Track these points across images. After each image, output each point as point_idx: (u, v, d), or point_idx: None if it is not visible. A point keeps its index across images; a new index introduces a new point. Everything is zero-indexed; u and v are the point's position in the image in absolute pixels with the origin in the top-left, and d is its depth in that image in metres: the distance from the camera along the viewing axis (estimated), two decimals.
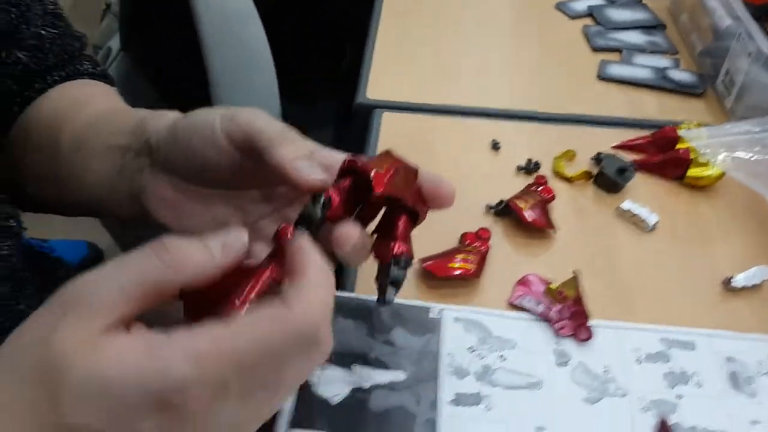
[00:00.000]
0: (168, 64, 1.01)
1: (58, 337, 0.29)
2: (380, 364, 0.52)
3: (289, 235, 0.35)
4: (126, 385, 0.29)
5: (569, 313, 0.55)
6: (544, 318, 0.55)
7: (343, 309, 0.55)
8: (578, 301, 0.55)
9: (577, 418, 0.50)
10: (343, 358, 0.52)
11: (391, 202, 0.43)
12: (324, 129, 1.34)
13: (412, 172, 0.44)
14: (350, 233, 0.40)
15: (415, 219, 0.44)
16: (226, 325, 0.30)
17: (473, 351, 0.53)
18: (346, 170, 0.40)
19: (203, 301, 0.34)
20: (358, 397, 0.50)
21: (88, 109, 0.57)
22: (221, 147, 0.41)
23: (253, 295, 0.33)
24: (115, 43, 1.03)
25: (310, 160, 0.39)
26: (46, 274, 0.64)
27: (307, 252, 0.34)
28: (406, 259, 0.43)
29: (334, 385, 0.50)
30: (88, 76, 0.63)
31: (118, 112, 0.55)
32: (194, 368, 0.29)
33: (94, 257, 1.49)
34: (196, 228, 0.46)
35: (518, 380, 0.52)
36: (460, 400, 0.50)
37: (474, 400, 0.50)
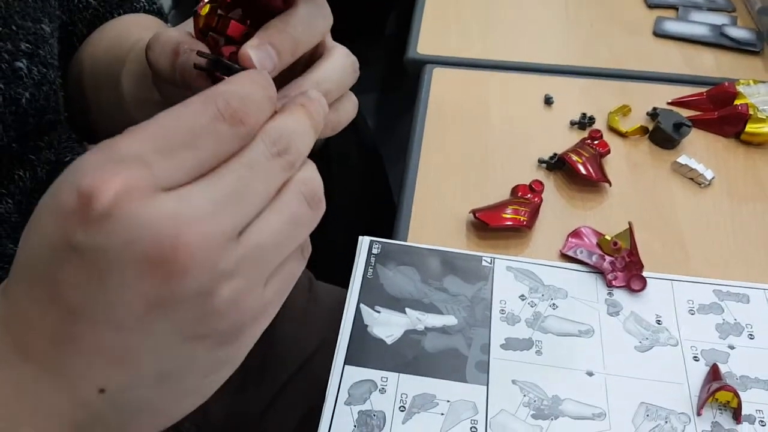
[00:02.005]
0: None
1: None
2: (433, 309, 0.53)
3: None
4: (43, 201, 0.26)
5: (623, 264, 0.55)
6: (598, 269, 0.55)
7: (397, 257, 0.56)
8: (632, 252, 0.55)
9: (627, 365, 0.50)
10: (398, 302, 0.53)
11: None
12: (372, 93, 1.34)
13: None
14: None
15: None
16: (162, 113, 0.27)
17: (524, 299, 0.54)
18: None
19: None
20: (412, 338, 0.51)
21: (144, 33, 0.58)
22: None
23: None
24: (167, 1, 1.04)
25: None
26: None
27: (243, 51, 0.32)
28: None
29: (388, 326, 0.52)
30: (144, 12, 0.64)
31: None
32: (98, 154, 0.25)
33: None
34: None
35: (569, 327, 0.52)
36: (510, 344, 0.51)
37: (525, 344, 0.51)
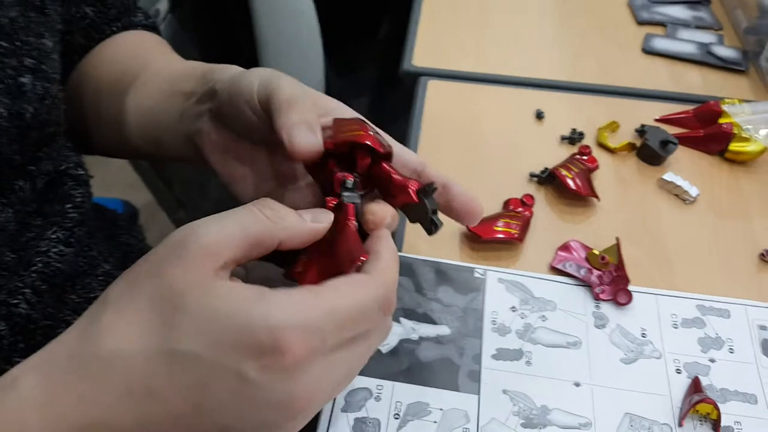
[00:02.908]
0: (215, 28, 1.03)
1: (174, 276, 0.32)
2: (427, 319, 0.54)
3: (351, 216, 0.39)
4: (230, 323, 0.31)
5: (610, 278, 0.57)
6: (585, 282, 0.57)
7: None
8: (619, 266, 0.57)
9: (613, 376, 0.52)
10: (394, 311, 0.54)
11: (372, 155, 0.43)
12: (364, 97, 1.35)
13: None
14: (377, 211, 0.41)
15: (389, 159, 0.44)
16: (323, 286, 0.34)
17: (515, 310, 0.56)
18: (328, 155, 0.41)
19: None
20: (407, 347, 0.53)
21: (149, 58, 0.60)
22: (256, 109, 0.43)
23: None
24: (163, 5, 1.05)
25: (307, 127, 0.39)
26: (110, 224, 0.67)
27: (381, 238, 0.39)
28: (429, 186, 0.42)
29: None
30: (141, 27, 0.66)
31: (181, 61, 0.58)
32: (292, 316, 0.31)
33: (130, 215, 1.53)
34: (238, 176, 0.49)
35: (558, 339, 0.54)
36: (501, 354, 0.53)
37: (515, 355, 0.53)
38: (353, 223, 0.39)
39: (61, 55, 0.56)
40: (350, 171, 0.41)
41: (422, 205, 0.42)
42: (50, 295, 0.50)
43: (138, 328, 0.32)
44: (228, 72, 0.48)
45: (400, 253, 0.58)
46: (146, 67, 0.58)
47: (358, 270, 0.37)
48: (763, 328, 0.55)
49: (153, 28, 0.67)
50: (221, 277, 0.33)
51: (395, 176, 0.42)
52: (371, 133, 0.41)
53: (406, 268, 0.58)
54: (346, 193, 0.40)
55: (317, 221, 0.38)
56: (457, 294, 0.56)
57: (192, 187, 1.15)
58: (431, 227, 0.43)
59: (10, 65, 0.46)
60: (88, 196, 0.56)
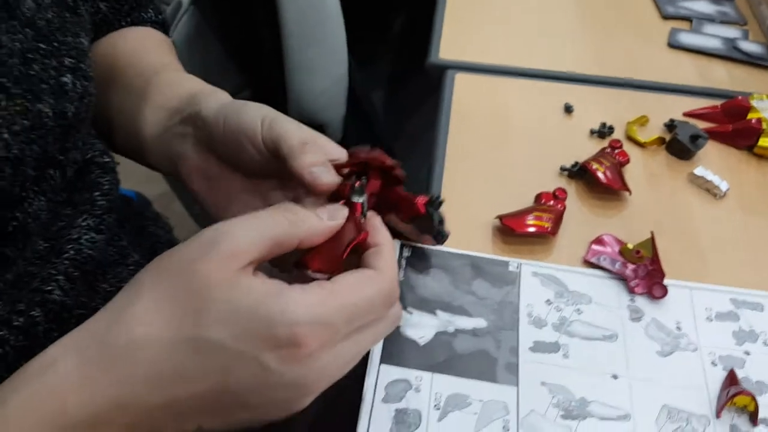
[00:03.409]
0: (238, 20, 1.03)
1: (202, 271, 0.36)
2: (463, 312, 0.55)
3: (358, 213, 0.43)
4: (253, 315, 0.35)
5: (645, 272, 0.57)
6: (620, 276, 0.57)
7: (427, 260, 0.58)
8: (654, 260, 0.57)
9: (650, 368, 0.52)
10: (429, 304, 0.55)
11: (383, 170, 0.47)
12: (383, 90, 1.36)
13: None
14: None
15: (400, 181, 0.48)
16: (334, 282, 0.37)
17: (550, 304, 0.56)
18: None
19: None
20: (443, 339, 0.53)
21: (143, 58, 0.61)
22: (259, 148, 0.46)
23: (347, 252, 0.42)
24: None
25: (325, 166, 0.44)
26: (137, 215, 0.67)
27: (380, 230, 0.42)
28: (435, 199, 0.47)
29: (420, 328, 0.53)
30: (150, 23, 0.66)
31: (171, 71, 0.59)
32: (308, 311, 0.35)
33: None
34: (221, 200, 0.52)
35: (594, 332, 0.54)
36: (538, 347, 0.53)
37: (552, 348, 0.53)
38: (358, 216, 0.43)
39: None
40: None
41: (429, 217, 0.46)
42: (82, 283, 0.51)
43: (169, 316, 0.35)
44: (215, 99, 0.51)
45: (435, 248, 0.59)
46: (133, 65, 0.60)
47: (356, 251, 0.41)
48: None
49: (161, 25, 0.68)
50: (246, 274, 0.36)
51: (403, 193, 0.48)
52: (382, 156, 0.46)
53: (441, 262, 0.58)
54: (354, 197, 0.43)
55: (333, 218, 0.41)
56: (492, 287, 0.57)
57: None
58: (439, 237, 0.47)
59: (52, 65, 0.46)
60: (116, 183, 0.57)
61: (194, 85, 0.56)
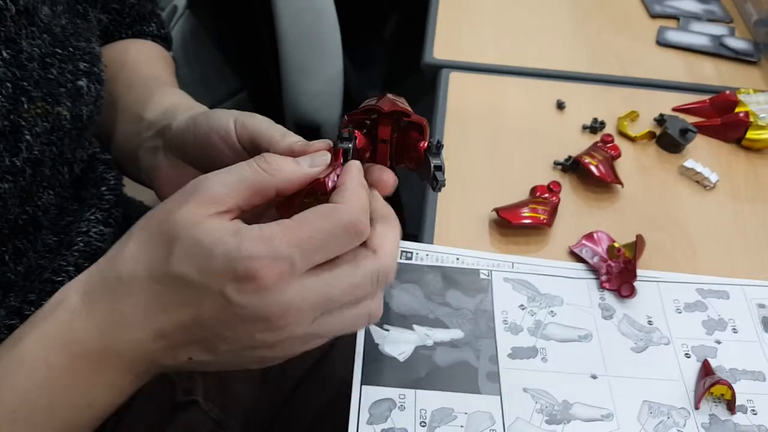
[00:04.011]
0: (234, 23, 1.04)
1: (178, 215, 0.38)
2: (440, 324, 0.55)
3: (339, 159, 0.43)
4: (212, 252, 0.37)
5: (618, 269, 0.58)
6: (594, 269, 0.59)
7: (398, 275, 0.57)
8: (631, 261, 0.58)
9: (627, 366, 0.53)
10: (405, 319, 0.55)
11: (395, 117, 0.47)
12: (378, 90, 1.37)
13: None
14: (389, 178, 0.46)
15: (422, 132, 0.47)
16: (291, 219, 0.38)
17: (524, 308, 0.56)
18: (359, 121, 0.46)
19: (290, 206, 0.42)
20: (423, 353, 0.53)
21: (136, 71, 0.63)
22: (234, 147, 0.48)
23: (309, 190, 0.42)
24: (181, 1, 1.07)
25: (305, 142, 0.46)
26: (142, 215, 0.68)
27: (349, 170, 0.42)
28: (436, 144, 0.46)
29: (399, 344, 0.53)
30: (151, 37, 0.67)
31: (161, 84, 0.61)
32: (262, 246, 0.36)
33: None
34: None
35: (569, 333, 0.55)
36: (517, 353, 0.53)
37: (530, 353, 0.54)
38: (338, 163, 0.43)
39: None
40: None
41: (427, 163, 0.45)
42: None
43: (148, 256, 0.39)
44: (189, 110, 0.53)
45: (430, 246, 0.60)
46: (124, 78, 0.61)
47: (326, 195, 0.41)
48: (761, 306, 0.57)
49: (163, 39, 0.69)
50: (217, 217, 0.38)
51: (414, 139, 0.47)
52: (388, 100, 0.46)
53: (413, 276, 0.58)
54: (340, 143, 0.43)
55: (314, 165, 0.42)
56: (465, 296, 0.57)
57: None
58: (434, 183, 0.45)
59: (68, 69, 0.48)
60: (120, 178, 0.59)
61: (174, 99, 0.58)
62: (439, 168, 0.45)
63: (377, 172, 0.45)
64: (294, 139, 0.45)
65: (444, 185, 0.45)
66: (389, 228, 0.41)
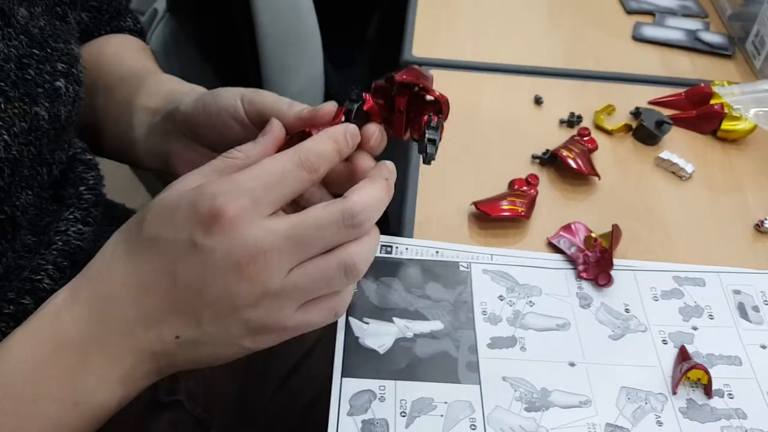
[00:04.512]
0: (214, 26, 1.05)
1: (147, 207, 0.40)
2: (419, 316, 0.55)
3: (339, 117, 0.46)
4: (178, 205, 0.38)
5: (595, 258, 0.59)
6: (572, 259, 0.59)
7: (377, 268, 0.58)
8: (607, 250, 0.59)
9: (604, 353, 0.54)
10: (385, 312, 0.55)
11: (411, 88, 0.49)
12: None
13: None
14: (370, 129, 0.47)
15: (439, 111, 0.49)
16: (254, 164, 0.40)
17: (503, 299, 0.57)
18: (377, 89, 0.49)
19: None
20: (403, 345, 0.53)
21: (123, 63, 0.64)
22: (243, 122, 0.49)
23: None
24: (161, 4, 1.07)
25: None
26: (121, 216, 0.68)
27: (326, 130, 0.44)
28: (436, 123, 0.48)
29: (378, 337, 0.53)
30: (129, 32, 0.68)
31: (151, 73, 0.62)
32: (224, 184, 0.38)
33: None
34: None
35: (548, 322, 0.56)
36: (496, 343, 0.54)
37: (509, 342, 0.54)
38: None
39: None
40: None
41: (424, 135, 0.48)
42: (72, 272, 0.52)
43: (124, 235, 0.40)
44: (192, 93, 0.54)
45: (410, 240, 0.61)
46: (115, 71, 0.62)
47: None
48: (737, 292, 0.58)
49: (139, 34, 0.70)
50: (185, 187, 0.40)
51: (424, 113, 0.49)
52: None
53: (393, 270, 0.58)
54: (348, 104, 0.46)
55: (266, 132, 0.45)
56: (445, 289, 0.57)
57: None
58: (423, 155, 0.47)
59: (46, 70, 0.49)
60: (100, 179, 0.59)
61: (173, 84, 0.59)
62: (432, 142, 0.47)
63: (366, 127, 0.47)
64: (300, 107, 0.46)
65: (433, 158, 0.47)
66: (366, 182, 0.41)
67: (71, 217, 0.54)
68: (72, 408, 0.39)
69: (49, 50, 0.49)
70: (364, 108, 0.47)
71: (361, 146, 0.46)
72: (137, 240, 0.39)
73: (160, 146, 0.56)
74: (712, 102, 0.74)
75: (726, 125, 0.72)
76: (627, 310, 0.57)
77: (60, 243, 0.52)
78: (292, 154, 0.40)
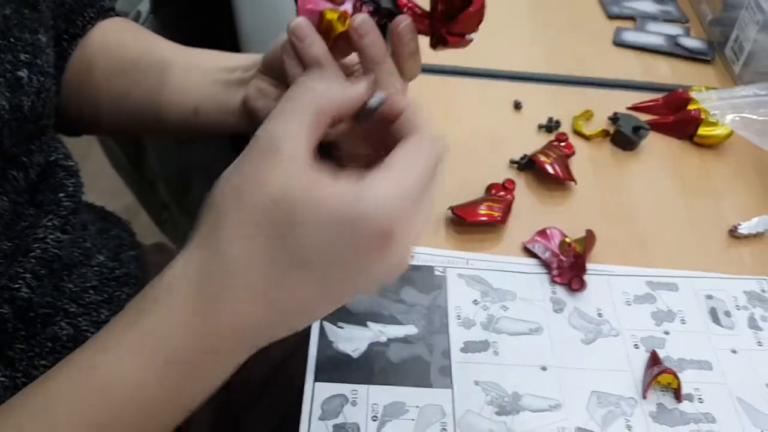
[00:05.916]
0: (197, 29, 1.05)
1: (275, 185, 0.35)
2: (394, 320, 0.55)
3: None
4: (345, 230, 0.35)
5: (569, 263, 0.59)
6: (546, 264, 0.60)
7: None
8: (581, 255, 0.59)
9: (576, 357, 0.54)
10: (359, 316, 0.55)
11: None
12: None
13: None
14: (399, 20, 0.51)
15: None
16: (392, 164, 0.38)
17: (477, 303, 0.57)
18: None
19: None
20: (376, 350, 0.53)
21: (150, 41, 0.65)
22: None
23: None
24: (144, 6, 1.06)
25: None
26: (101, 218, 0.68)
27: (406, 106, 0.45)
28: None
29: (352, 341, 0.54)
30: (111, 10, 0.69)
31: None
32: (393, 201, 0.36)
33: None
34: None
35: (521, 327, 0.56)
36: (469, 347, 0.54)
37: (482, 346, 0.55)
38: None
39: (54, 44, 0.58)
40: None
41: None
42: (49, 281, 0.52)
43: (260, 242, 0.36)
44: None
45: None
46: (155, 51, 0.64)
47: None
48: (709, 297, 0.59)
49: (117, 14, 0.70)
50: (315, 176, 0.36)
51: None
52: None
53: None
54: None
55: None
56: (420, 293, 0.58)
57: (176, 187, 1.17)
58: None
59: (7, 60, 0.48)
60: (80, 186, 0.59)
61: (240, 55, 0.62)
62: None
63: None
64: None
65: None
66: (413, 110, 0.43)
67: (50, 224, 0.53)
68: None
69: (12, 40, 0.48)
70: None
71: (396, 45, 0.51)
72: (284, 258, 0.36)
73: (237, 95, 0.56)
74: (689, 107, 0.74)
75: (703, 131, 0.73)
76: (600, 315, 0.57)
77: (38, 251, 0.51)
78: (428, 151, 0.41)
